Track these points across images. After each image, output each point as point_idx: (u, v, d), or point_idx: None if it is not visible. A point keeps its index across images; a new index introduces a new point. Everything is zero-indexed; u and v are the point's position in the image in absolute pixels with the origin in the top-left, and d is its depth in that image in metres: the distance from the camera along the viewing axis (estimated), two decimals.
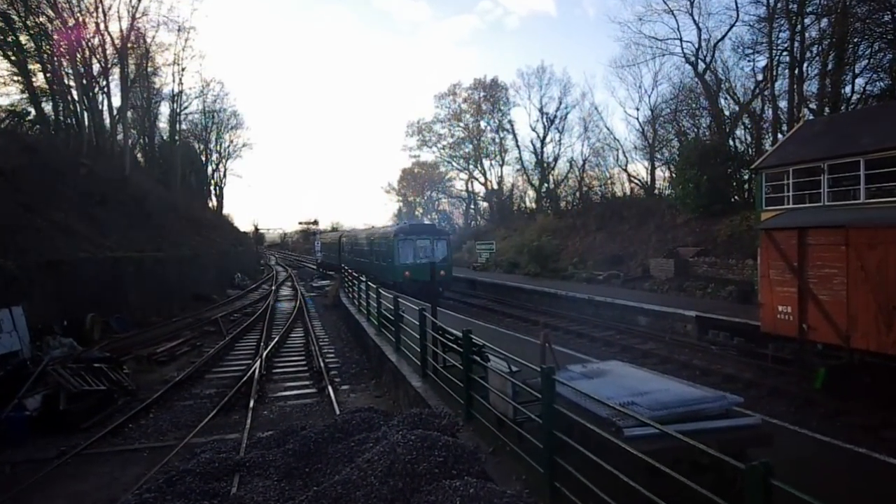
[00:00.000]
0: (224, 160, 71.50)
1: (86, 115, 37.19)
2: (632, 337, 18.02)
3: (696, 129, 35.72)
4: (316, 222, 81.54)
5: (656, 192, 39.32)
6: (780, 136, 26.96)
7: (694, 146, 30.81)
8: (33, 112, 34.42)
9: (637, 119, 43.01)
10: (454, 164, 65.92)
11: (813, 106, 27.62)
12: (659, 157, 39.84)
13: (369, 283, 18.47)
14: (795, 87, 27.93)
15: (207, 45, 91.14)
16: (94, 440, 9.90)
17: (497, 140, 60.27)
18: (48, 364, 12.40)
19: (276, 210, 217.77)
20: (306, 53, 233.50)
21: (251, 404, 11.74)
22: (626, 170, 43.69)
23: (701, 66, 33.93)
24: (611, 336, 18.21)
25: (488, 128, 60.95)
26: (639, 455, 3.96)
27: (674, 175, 34.64)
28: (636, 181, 42.68)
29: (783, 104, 29.00)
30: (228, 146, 71.32)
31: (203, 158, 66.92)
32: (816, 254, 11.69)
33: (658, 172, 40.54)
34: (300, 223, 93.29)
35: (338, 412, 10.52)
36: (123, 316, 21.02)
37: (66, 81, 36.16)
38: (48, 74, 35.04)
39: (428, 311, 10.45)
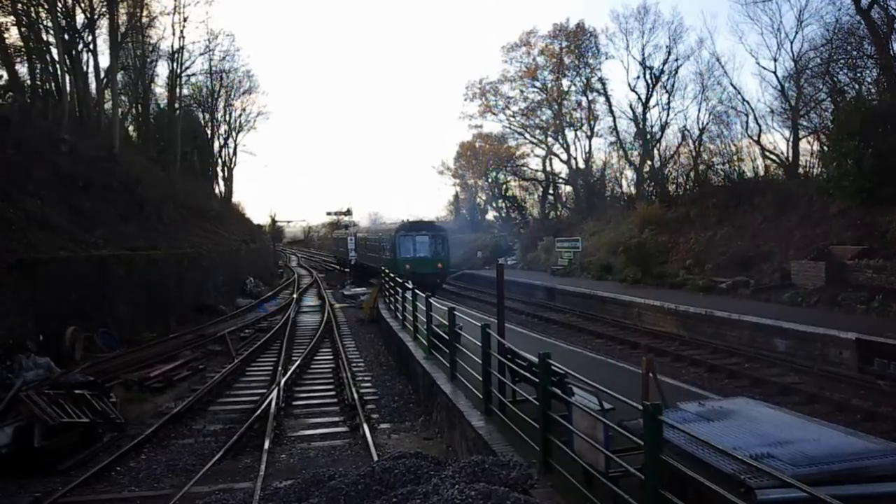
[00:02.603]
0: (234, 133, 73.50)
1: (67, 78, 39.01)
2: (766, 366, 17.67)
3: (857, 86, 34.33)
4: (349, 212, 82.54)
5: (801, 171, 38.10)
6: None
7: (855, 109, 29.61)
8: (5, 76, 36.25)
9: (774, 73, 41.16)
10: (527, 135, 65.51)
11: None
12: (805, 123, 38.49)
13: (416, 290, 18.63)
14: None
15: None
16: (75, 485, 10.26)
17: (584, 104, 59.64)
18: (21, 389, 13.00)
19: (299, 198, 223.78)
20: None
21: (266, 445, 11.99)
22: (758, 142, 42.32)
23: None
24: (737, 365, 17.93)
25: (573, 88, 60.26)
26: None
27: (826, 148, 33.38)
28: (773, 157, 41.37)
29: None
30: (240, 115, 73.19)
31: (208, 132, 69.06)
32: None
33: (803, 145, 39.14)
34: (329, 214, 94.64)
35: (375, 458, 10.62)
36: (110, 330, 22.00)
37: (44, 37, 38.06)
38: (23, 29, 36.95)
39: (492, 328, 10.42)
